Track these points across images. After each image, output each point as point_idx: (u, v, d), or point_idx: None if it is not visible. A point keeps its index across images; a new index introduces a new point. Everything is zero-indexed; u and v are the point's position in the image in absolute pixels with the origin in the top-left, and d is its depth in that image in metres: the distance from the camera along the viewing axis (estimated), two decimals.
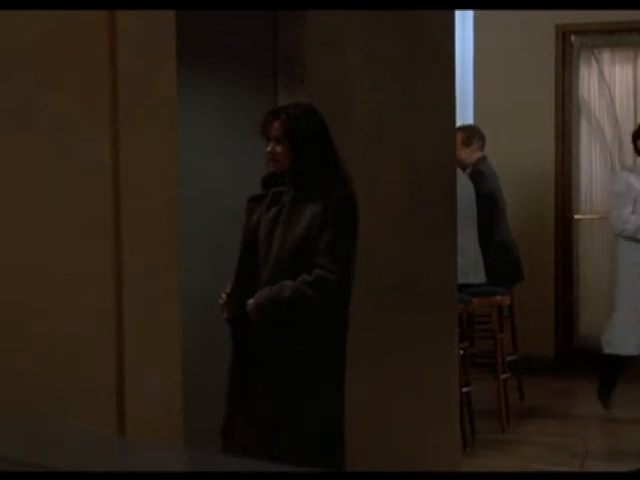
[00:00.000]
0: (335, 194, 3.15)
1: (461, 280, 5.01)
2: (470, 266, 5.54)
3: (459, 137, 5.92)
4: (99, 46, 2.07)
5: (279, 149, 3.20)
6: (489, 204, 5.90)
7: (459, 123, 5.67)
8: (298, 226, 3.16)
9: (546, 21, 7.06)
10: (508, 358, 5.93)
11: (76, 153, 2.04)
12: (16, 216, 1.92)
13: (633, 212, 5.83)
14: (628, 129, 7.24)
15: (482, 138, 6.12)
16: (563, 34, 7.21)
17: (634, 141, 5.97)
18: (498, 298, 5.79)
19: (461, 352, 5.09)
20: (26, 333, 1.94)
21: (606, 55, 7.32)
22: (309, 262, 3.14)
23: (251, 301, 3.19)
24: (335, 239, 3.14)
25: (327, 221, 3.13)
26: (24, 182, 1.93)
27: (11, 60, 1.90)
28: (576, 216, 7.34)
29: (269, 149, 3.22)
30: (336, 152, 3.25)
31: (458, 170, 5.18)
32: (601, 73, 7.30)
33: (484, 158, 6.09)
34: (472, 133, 6.12)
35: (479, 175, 5.91)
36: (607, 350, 6.02)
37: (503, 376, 5.72)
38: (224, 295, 3.28)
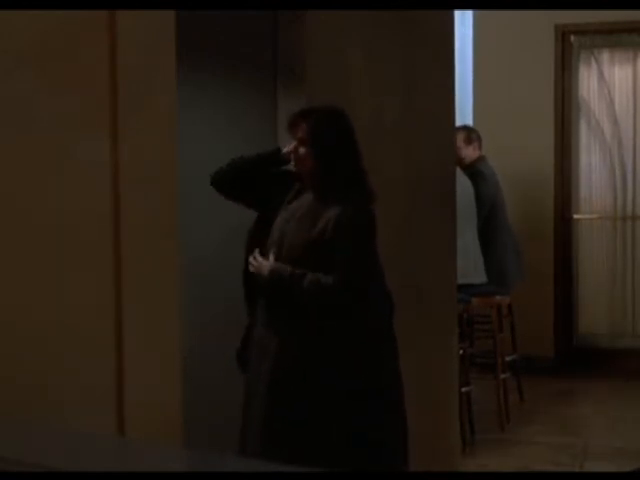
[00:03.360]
0: (350, 209, 3.15)
1: (461, 280, 5.01)
2: (470, 266, 5.54)
3: (461, 136, 5.94)
4: (99, 46, 2.07)
5: (302, 150, 3.22)
6: (489, 205, 5.91)
7: (458, 123, 5.68)
8: (313, 229, 3.17)
9: (546, 21, 7.06)
10: (508, 358, 5.93)
11: (76, 153, 2.04)
12: (16, 216, 1.92)
13: None
14: (628, 129, 7.26)
15: (479, 138, 6.15)
16: (562, 34, 7.21)
17: None
18: (497, 298, 5.80)
19: (461, 352, 5.09)
20: (26, 333, 1.94)
21: (605, 55, 7.32)
22: (316, 265, 3.15)
23: (268, 262, 3.19)
24: (344, 258, 3.15)
25: (337, 237, 3.13)
26: (24, 182, 1.93)
27: (11, 60, 1.90)
28: (576, 216, 7.34)
29: (291, 149, 3.24)
30: (360, 160, 3.25)
31: (458, 170, 5.18)
32: (600, 73, 7.30)
33: (483, 158, 6.11)
34: (471, 132, 6.15)
35: (479, 175, 5.92)
36: None
37: (503, 376, 5.72)
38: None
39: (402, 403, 3.36)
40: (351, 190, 3.21)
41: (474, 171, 5.92)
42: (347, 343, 3.18)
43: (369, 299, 3.23)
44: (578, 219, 7.36)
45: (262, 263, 3.20)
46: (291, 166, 3.29)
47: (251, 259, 3.22)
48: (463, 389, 5.24)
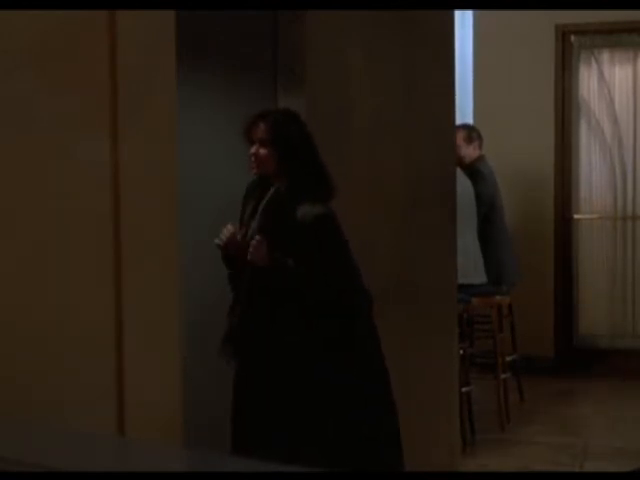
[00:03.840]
0: (312, 214, 3.17)
1: (461, 280, 5.01)
2: (470, 266, 5.54)
3: (461, 134, 5.94)
4: (99, 46, 2.07)
5: (263, 151, 3.23)
6: (487, 204, 5.92)
7: (458, 123, 5.68)
8: (279, 234, 3.19)
9: (546, 21, 7.06)
10: (508, 358, 5.93)
11: (76, 153, 2.04)
12: (16, 216, 1.92)
13: None
14: (628, 129, 7.26)
15: (480, 137, 6.15)
16: (563, 34, 7.21)
17: None
18: (498, 298, 5.80)
19: (461, 352, 5.09)
20: (26, 333, 1.94)
21: (606, 55, 7.32)
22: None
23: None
24: (310, 264, 3.18)
25: (302, 244, 3.16)
26: (24, 182, 1.93)
27: (11, 60, 1.90)
28: (576, 216, 7.34)
29: (253, 151, 3.26)
30: (320, 159, 3.28)
31: (458, 170, 5.19)
32: (601, 73, 7.30)
33: (482, 157, 6.11)
34: (472, 131, 6.15)
35: (478, 175, 5.92)
36: None
37: (503, 376, 5.72)
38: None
39: (390, 396, 3.36)
40: (316, 187, 3.23)
41: (473, 170, 5.92)
42: (330, 339, 3.20)
43: (348, 296, 3.25)
44: (578, 219, 7.36)
45: (262, 243, 3.17)
46: (252, 169, 3.30)
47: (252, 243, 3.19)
48: (463, 389, 5.24)
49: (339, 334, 3.22)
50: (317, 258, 3.17)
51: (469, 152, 6.03)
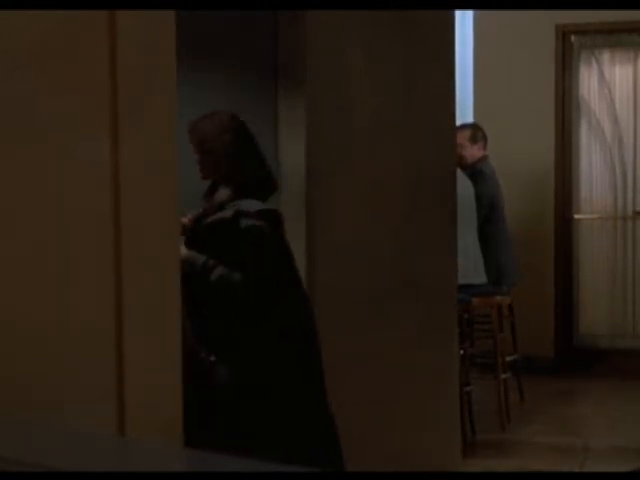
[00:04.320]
0: (245, 222, 3.22)
1: (461, 281, 5.01)
2: (470, 266, 5.54)
3: (466, 134, 5.93)
4: (99, 46, 2.07)
5: (199, 157, 3.36)
6: (488, 205, 5.91)
7: (459, 123, 5.67)
8: (216, 236, 3.26)
9: (546, 21, 7.07)
10: (508, 358, 5.93)
11: (76, 153, 2.04)
12: (16, 216, 1.92)
13: None
14: (628, 129, 7.26)
15: (485, 137, 6.13)
16: (563, 34, 7.21)
17: None
18: (498, 298, 5.80)
19: (461, 352, 5.09)
20: (26, 333, 1.94)
21: (606, 55, 7.33)
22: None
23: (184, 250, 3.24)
24: (249, 256, 3.22)
25: (236, 249, 3.22)
26: (24, 182, 1.93)
27: (11, 60, 1.90)
28: (576, 216, 7.34)
29: (196, 157, 3.38)
30: (260, 156, 3.34)
31: (458, 170, 5.18)
32: (601, 73, 7.31)
33: (485, 157, 6.10)
34: (477, 130, 6.13)
35: (479, 175, 5.91)
36: None
37: (503, 376, 5.73)
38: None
39: (326, 400, 3.36)
40: (255, 187, 3.31)
41: (475, 170, 5.91)
42: (263, 346, 3.22)
43: (285, 303, 3.26)
44: (579, 219, 7.36)
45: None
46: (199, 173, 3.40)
47: None
48: (463, 389, 5.24)
49: (270, 343, 3.25)
50: (248, 258, 3.21)
51: (473, 152, 6.01)
